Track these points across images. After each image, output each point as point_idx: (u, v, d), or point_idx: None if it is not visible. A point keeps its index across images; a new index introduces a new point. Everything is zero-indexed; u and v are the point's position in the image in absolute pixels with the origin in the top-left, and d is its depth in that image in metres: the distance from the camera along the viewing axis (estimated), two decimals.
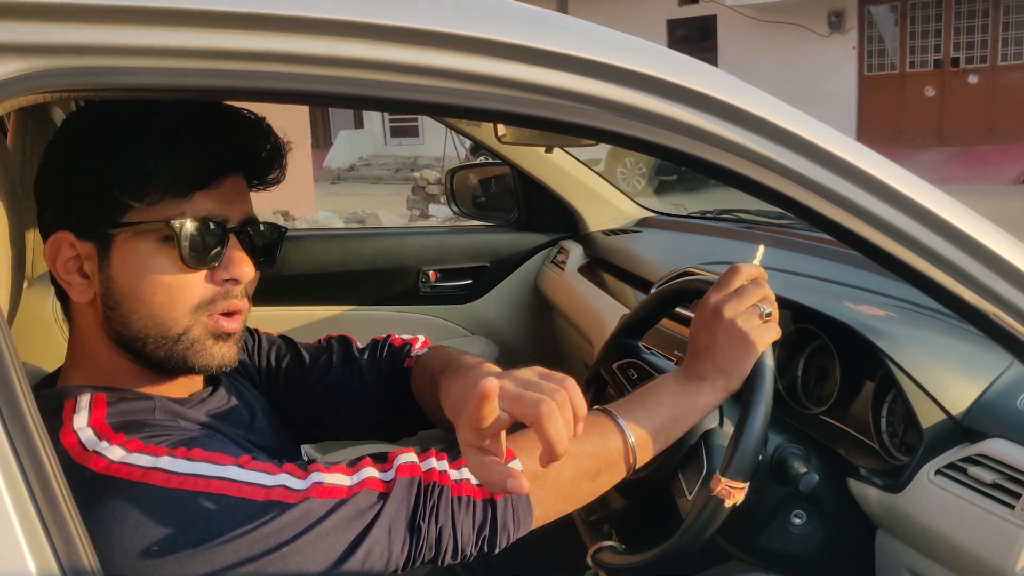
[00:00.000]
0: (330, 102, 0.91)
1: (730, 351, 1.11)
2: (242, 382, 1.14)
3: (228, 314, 0.95)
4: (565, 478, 0.99)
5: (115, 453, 0.84)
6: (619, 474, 1.05)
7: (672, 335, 1.66)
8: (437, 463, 0.92)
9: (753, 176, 0.93)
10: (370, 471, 0.89)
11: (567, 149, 2.37)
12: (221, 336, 0.94)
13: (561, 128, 0.91)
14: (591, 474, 1.02)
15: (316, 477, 0.86)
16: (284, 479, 0.85)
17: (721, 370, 1.11)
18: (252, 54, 0.79)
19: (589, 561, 1.30)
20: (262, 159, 0.97)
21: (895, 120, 15.70)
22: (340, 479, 0.88)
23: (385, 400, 1.24)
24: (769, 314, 1.13)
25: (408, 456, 0.92)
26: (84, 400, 0.90)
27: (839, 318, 1.35)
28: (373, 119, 20.96)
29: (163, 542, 0.80)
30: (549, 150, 1.94)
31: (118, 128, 0.90)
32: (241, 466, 0.85)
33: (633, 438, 1.04)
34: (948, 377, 1.21)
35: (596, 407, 1.08)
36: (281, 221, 8.42)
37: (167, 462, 0.83)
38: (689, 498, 1.17)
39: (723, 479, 1.09)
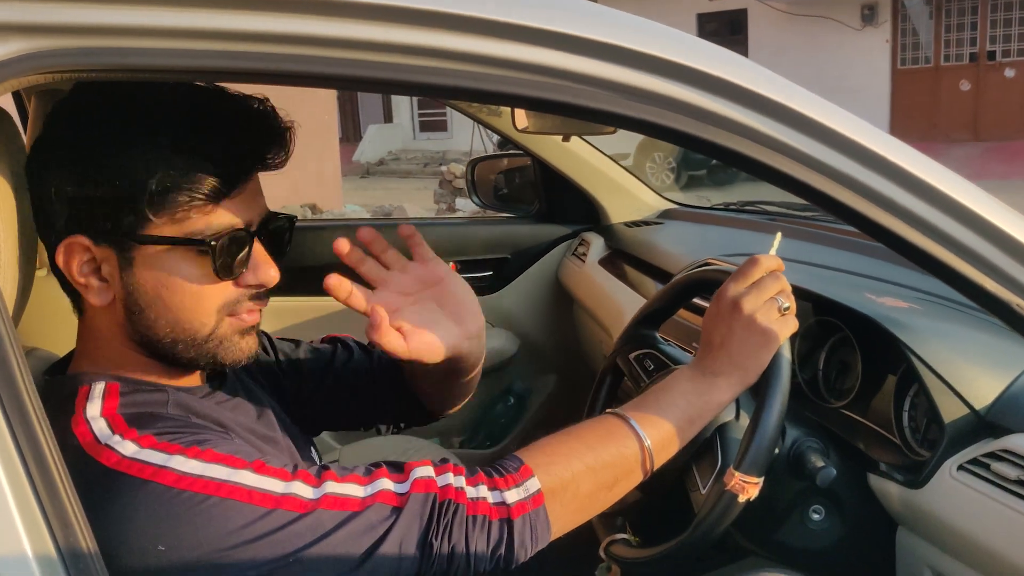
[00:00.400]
0: (342, 85, 0.90)
1: (748, 345, 1.08)
2: (250, 377, 1.13)
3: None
4: (584, 491, 0.97)
5: (127, 448, 0.82)
6: (636, 480, 1.02)
7: (690, 326, 1.64)
8: (454, 479, 0.90)
9: (768, 162, 0.91)
10: (385, 483, 0.87)
11: (589, 140, 2.35)
12: (246, 331, 0.95)
13: (594, 116, 0.89)
14: (609, 484, 1.00)
15: (329, 487, 0.85)
16: (296, 487, 0.84)
17: (737, 365, 1.08)
18: (261, 35, 0.78)
19: (602, 554, 1.29)
20: (276, 148, 0.95)
21: (929, 115, 15.45)
22: (353, 490, 0.86)
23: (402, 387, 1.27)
24: (787, 308, 1.10)
25: (425, 470, 0.90)
26: (98, 389, 0.89)
27: (860, 310, 1.32)
28: (402, 113, 20.98)
29: (169, 543, 0.79)
30: (567, 139, 1.92)
31: (131, 135, 0.86)
32: (253, 471, 0.83)
33: (649, 442, 1.01)
34: (972, 371, 1.18)
35: (609, 411, 1.05)
36: (309, 215, 8.48)
37: (179, 462, 0.82)
38: (703, 492, 1.15)
39: (737, 473, 1.07)
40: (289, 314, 2.35)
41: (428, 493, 0.88)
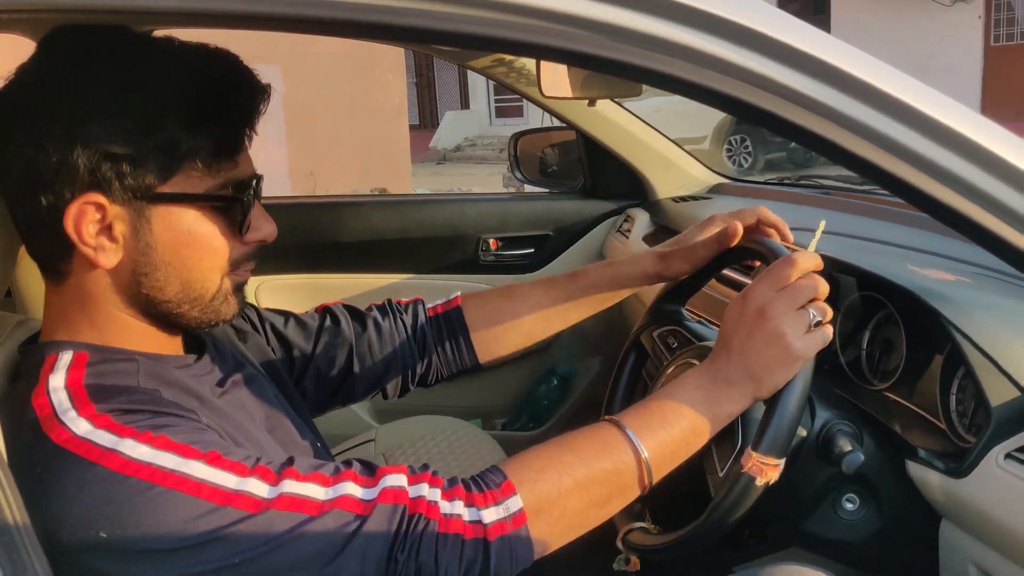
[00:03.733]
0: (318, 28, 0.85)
1: (767, 359, 0.96)
2: (234, 348, 1.10)
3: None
4: (572, 509, 0.89)
5: (80, 427, 0.79)
6: (632, 496, 0.95)
7: (723, 301, 1.55)
8: (428, 491, 0.84)
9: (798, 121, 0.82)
10: (350, 487, 0.82)
11: (637, 113, 2.26)
12: (239, 287, 0.96)
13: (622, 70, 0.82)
14: (601, 502, 0.92)
15: (286, 486, 0.79)
16: (251, 484, 0.78)
17: (753, 376, 0.97)
18: None
19: (620, 544, 1.21)
20: (265, 102, 0.93)
21: None
22: (313, 491, 0.80)
23: (419, 349, 1.29)
24: (819, 322, 0.97)
25: (397, 478, 0.84)
26: (65, 358, 0.86)
27: (899, 282, 1.22)
28: (479, 99, 21.01)
29: (110, 530, 0.75)
30: (592, 103, 1.84)
31: (156, 91, 0.84)
32: (206, 462, 0.78)
33: (647, 454, 0.93)
34: None
35: (607, 418, 0.96)
36: None
37: (128, 446, 0.77)
38: (720, 475, 1.07)
39: (755, 454, 0.98)
40: (331, 292, 2.34)
41: (397, 505, 0.81)
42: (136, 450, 0.77)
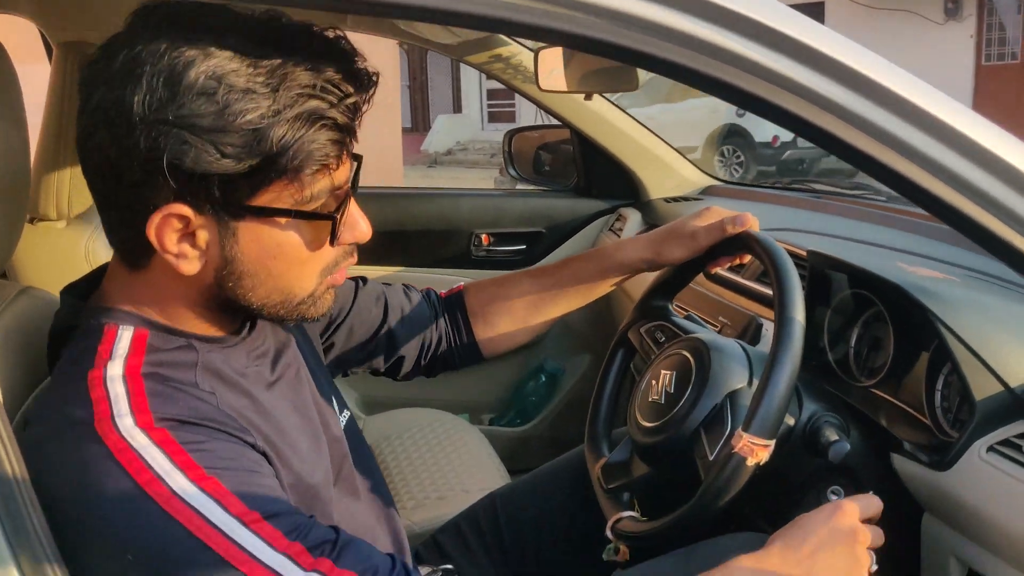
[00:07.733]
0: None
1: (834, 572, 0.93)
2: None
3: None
4: None
5: (137, 439, 0.77)
6: None
7: (713, 298, 1.56)
8: None
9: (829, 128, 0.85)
10: None
11: (632, 113, 2.28)
12: (334, 287, 0.93)
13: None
14: None
15: None
16: (283, 563, 0.77)
17: None
18: None
19: (609, 533, 1.23)
20: (372, 91, 0.87)
21: (1016, 113, 14.82)
22: None
23: (433, 326, 1.32)
24: (875, 570, 0.97)
25: None
26: (126, 338, 0.85)
27: (888, 278, 1.23)
28: (471, 104, 21.04)
29: (137, 555, 0.75)
30: (588, 97, 1.86)
31: (253, 99, 0.77)
32: (246, 524, 0.77)
33: None
34: (1009, 345, 1.09)
35: None
36: None
37: (177, 480, 0.76)
38: (711, 458, 1.08)
39: (745, 435, 1.00)
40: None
41: None
42: (183, 487, 0.76)
